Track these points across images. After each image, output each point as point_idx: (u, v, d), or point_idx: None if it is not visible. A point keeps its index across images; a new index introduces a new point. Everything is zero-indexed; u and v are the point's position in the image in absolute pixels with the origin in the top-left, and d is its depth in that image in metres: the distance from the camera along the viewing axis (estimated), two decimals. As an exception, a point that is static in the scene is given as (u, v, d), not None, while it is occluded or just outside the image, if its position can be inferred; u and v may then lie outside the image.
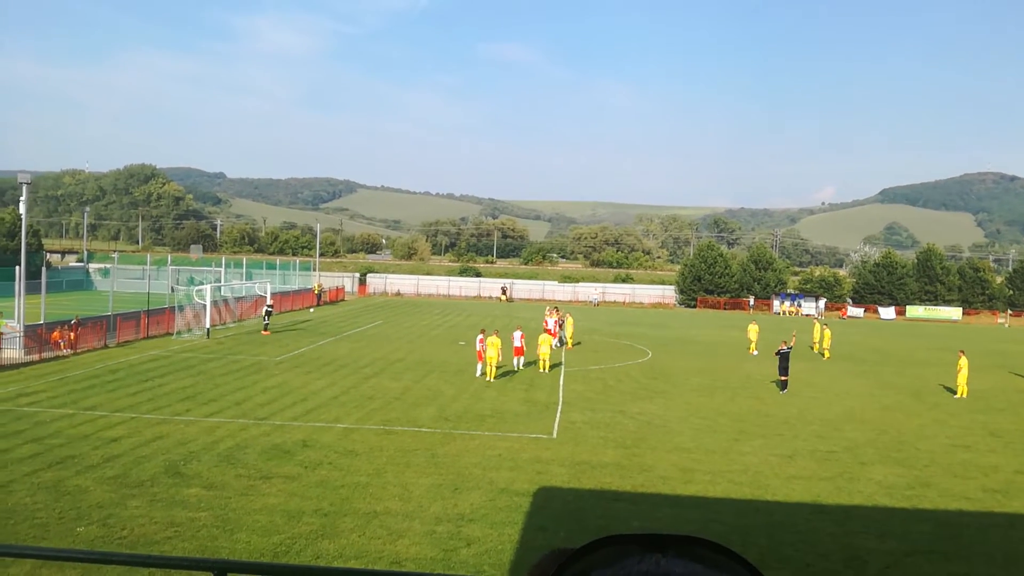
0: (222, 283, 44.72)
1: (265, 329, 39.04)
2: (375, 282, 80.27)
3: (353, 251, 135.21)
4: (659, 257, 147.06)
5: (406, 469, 15.32)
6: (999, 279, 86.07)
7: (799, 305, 73.28)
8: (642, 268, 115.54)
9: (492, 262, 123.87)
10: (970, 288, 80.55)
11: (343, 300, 65.50)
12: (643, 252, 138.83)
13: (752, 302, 74.28)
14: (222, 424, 18.57)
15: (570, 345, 36.74)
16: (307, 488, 13.94)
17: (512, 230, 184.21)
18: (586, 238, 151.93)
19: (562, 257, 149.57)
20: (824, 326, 39.37)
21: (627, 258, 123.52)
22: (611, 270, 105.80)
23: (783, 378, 26.55)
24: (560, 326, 36.95)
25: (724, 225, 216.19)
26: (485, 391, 24.47)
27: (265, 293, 44.12)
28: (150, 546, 11.11)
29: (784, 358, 26.55)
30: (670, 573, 0.83)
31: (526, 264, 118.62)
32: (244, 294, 46.57)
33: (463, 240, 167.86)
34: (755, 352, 36.76)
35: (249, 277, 54.20)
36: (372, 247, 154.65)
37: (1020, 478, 16.48)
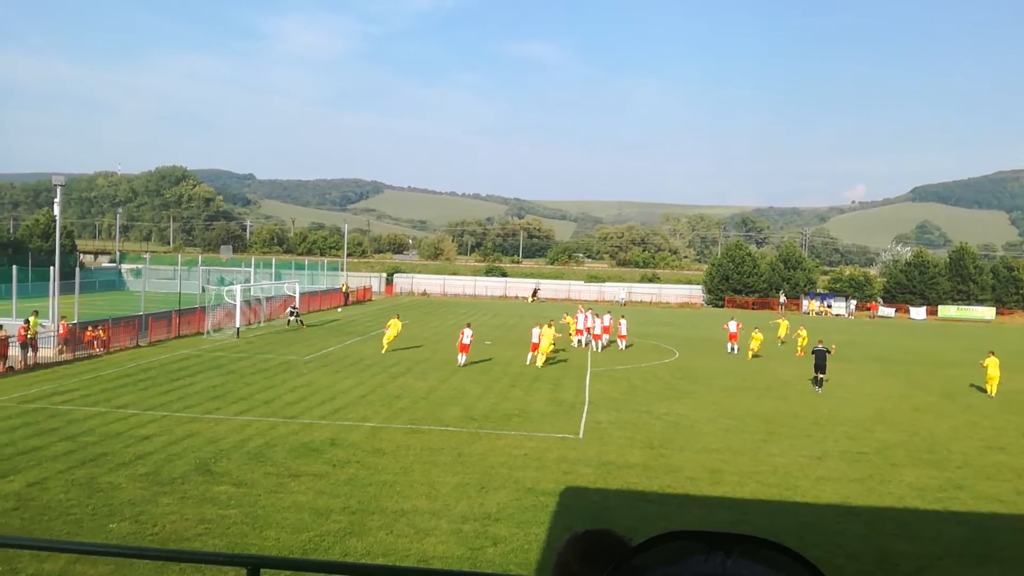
0: (252, 283, 45.24)
1: (301, 323, 40.86)
2: (402, 282, 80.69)
3: (380, 251, 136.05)
4: (686, 257, 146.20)
5: (433, 468, 15.39)
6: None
7: (829, 305, 72.42)
8: (669, 268, 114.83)
9: (518, 262, 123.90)
10: (1004, 288, 79.05)
11: (370, 300, 65.90)
12: (670, 252, 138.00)
13: (783, 300, 73.45)
14: (252, 422, 18.78)
15: (621, 346, 36.79)
16: (335, 486, 14.05)
17: (538, 230, 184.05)
18: (612, 238, 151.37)
19: (588, 257, 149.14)
20: (782, 320, 40.30)
21: (653, 258, 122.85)
22: (637, 270, 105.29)
23: (820, 376, 26.59)
24: (598, 324, 36.98)
25: (752, 224, 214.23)
26: (511, 391, 24.50)
27: (294, 293, 44.55)
28: (181, 542, 11.27)
29: (820, 356, 26.57)
30: (736, 575, 0.83)
31: (552, 264, 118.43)
32: (273, 294, 47.05)
33: (489, 240, 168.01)
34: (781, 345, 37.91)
35: (278, 277, 54.79)
36: (399, 247, 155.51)
37: (1057, 481, 16.15)
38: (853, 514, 13.60)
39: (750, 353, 34.56)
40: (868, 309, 73.68)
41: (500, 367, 29.22)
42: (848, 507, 13.97)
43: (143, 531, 11.71)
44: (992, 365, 26.62)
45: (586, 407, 22.22)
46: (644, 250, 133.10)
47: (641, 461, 16.51)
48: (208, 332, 35.77)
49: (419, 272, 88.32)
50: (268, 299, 45.38)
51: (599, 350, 35.58)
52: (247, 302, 40.26)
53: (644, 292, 79.77)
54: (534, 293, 76.65)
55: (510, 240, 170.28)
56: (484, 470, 15.36)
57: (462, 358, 29.41)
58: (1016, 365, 33.66)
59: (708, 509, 13.58)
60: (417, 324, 46.36)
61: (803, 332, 37.53)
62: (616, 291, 78.47)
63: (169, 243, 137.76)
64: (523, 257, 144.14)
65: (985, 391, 26.86)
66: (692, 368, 31.19)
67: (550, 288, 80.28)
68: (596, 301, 73.38)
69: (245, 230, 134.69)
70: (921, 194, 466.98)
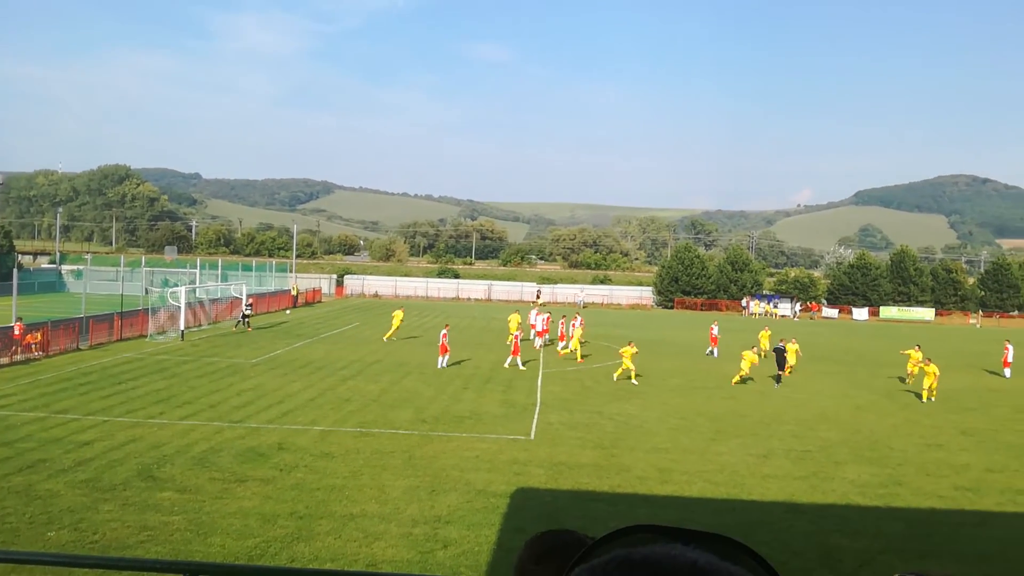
0: (197, 285, 44.30)
1: (248, 326, 40.28)
2: (353, 283, 79.93)
3: (330, 252, 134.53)
4: (637, 259, 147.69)
5: (383, 471, 15.25)
6: (971, 280, 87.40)
7: (776, 306, 73.93)
8: (620, 269, 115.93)
9: (471, 264, 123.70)
10: (943, 289, 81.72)
11: (320, 302, 65.12)
12: (621, 254, 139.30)
13: (747, 303, 74.09)
14: (196, 427, 18.38)
15: (577, 355, 33.88)
16: (282, 491, 13.83)
17: (491, 232, 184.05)
18: (565, 240, 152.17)
19: (541, 259, 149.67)
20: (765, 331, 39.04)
21: (605, 259, 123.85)
22: (589, 271, 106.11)
23: (780, 372, 28.75)
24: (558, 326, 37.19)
25: (701, 227, 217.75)
26: (463, 393, 24.43)
27: (241, 295, 43.79)
28: (122, 550, 10.96)
29: (780, 354, 29.18)
30: (688, 556, 0.87)
31: (505, 265, 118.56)
32: (219, 296, 46.16)
33: (441, 241, 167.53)
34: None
35: (225, 279, 53.72)
36: (350, 248, 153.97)
37: (991, 476, 16.72)
38: (798, 511, 13.88)
39: (738, 376, 28.46)
40: (810, 310, 75.41)
41: (453, 369, 29.13)
42: (793, 504, 14.26)
43: (83, 539, 11.36)
44: (931, 371, 25.72)
45: (538, 408, 22.28)
46: (596, 252, 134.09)
47: (592, 461, 16.61)
48: (151, 335, 34.91)
49: (370, 273, 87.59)
50: (214, 301, 44.51)
51: (560, 348, 35.85)
52: (192, 304, 39.43)
53: (596, 294, 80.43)
54: (538, 295, 77.01)
55: (463, 242, 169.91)
56: (435, 473, 15.28)
57: (442, 360, 29.39)
58: (954, 365, 34.82)
59: (657, 508, 13.72)
60: (368, 327, 45.96)
61: (766, 333, 37.62)
62: (568, 293, 79.00)
63: (111, 244, 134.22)
64: (476, 259, 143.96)
65: (920, 397, 26.13)
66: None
67: (502, 290, 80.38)
68: (549, 303, 73.73)
69: (191, 230, 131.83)
70: (864, 198, 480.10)
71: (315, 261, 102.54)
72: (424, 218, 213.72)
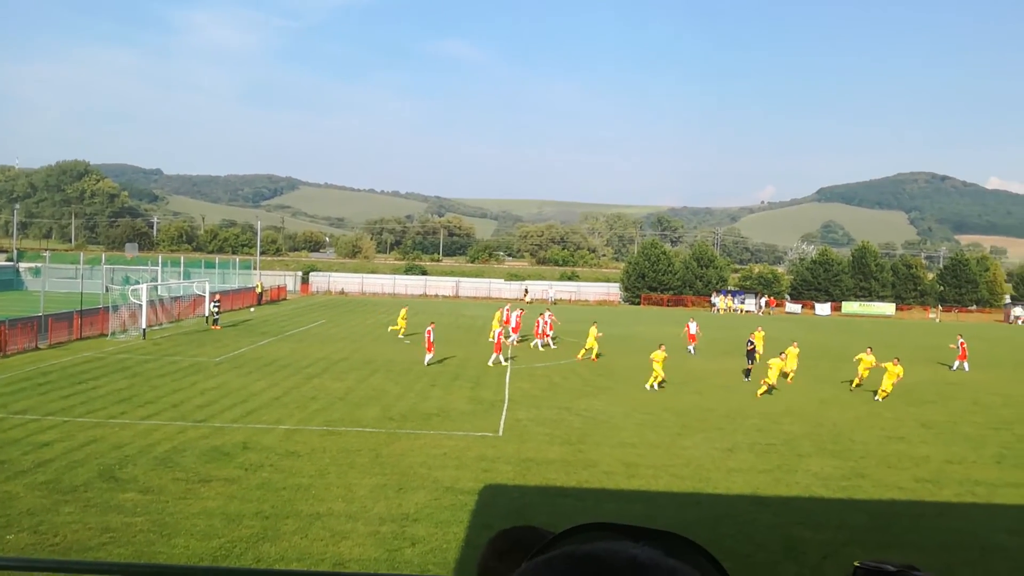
0: (159, 282, 43.59)
1: (215, 323, 39.93)
2: (318, 281, 79.23)
3: (295, 249, 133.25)
4: (604, 255, 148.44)
5: (349, 470, 15.14)
6: (930, 276, 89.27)
7: (743, 301, 74.81)
8: (588, 266, 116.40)
9: (438, 260, 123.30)
10: (903, 284, 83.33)
11: (285, 299, 64.46)
12: (589, 250, 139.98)
13: (716, 299, 74.80)
14: (159, 427, 18.08)
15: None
16: (247, 491, 13.66)
17: (458, 228, 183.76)
18: (532, 236, 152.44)
19: (508, 255, 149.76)
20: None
21: (573, 256, 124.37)
22: (557, 268, 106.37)
23: (749, 367, 29.50)
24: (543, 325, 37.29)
25: (667, 223, 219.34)
26: (431, 390, 24.35)
27: (204, 293, 43.18)
28: (84, 552, 10.75)
29: (751, 349, 29.91)
30: (630, 552, 0.88)
31: (472, 262, 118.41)
32: (182, 293, 45.45)
33: (409, 238, 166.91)
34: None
35: (187, 276, 52.92)
36: (315, 245, 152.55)
37: (950, 468, 17.09)
38: (762, 504, 14.06)
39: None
40: (770, 305, 76.40)
41: (420, 366, 29.03)
42: (757, 497, 14.44)
43: (43, 542, 11.11)
44: (894, 372, 25.31)
45: (506, 405, 22.28)
46: (564, 248, 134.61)
47: (560, 457, 16.66)
48: (112, 334, 34.26)
49: (336, 271, 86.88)
50: (176, 299, 43.82)
51: (538, 346, 36.15)
52: (153, 302, 38.77)
53: (564, 290, 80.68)
54: (525, 292, 77.10)
55: (430, 238, 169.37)
56: (402, 471, 15.21)
57: (428, 357, 29.39)
58: (915, 358, 35.52)
59: (623, 503, 13.81)
60: (334, 324, 45.64)
61: (760, 334, 33.26)
62: (535, 289, 79.12)
63: (71, 241, 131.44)
64: (443, 255, 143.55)
65: (875, 394, 25.55)
66: (610, 365, 31.70)
67: (470, 287, 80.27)
68: (517, 300, 73.81)
69: (152, 227, 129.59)
70: (826, 195, 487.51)
71: (280, 258, 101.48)
72: (391, 215, 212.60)
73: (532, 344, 36.41)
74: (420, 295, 77.77)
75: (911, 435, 20.34)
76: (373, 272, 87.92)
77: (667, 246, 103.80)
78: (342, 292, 77.34)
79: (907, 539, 12.56)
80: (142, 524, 11.88)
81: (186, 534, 11.59)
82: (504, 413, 21.11)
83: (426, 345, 29.67)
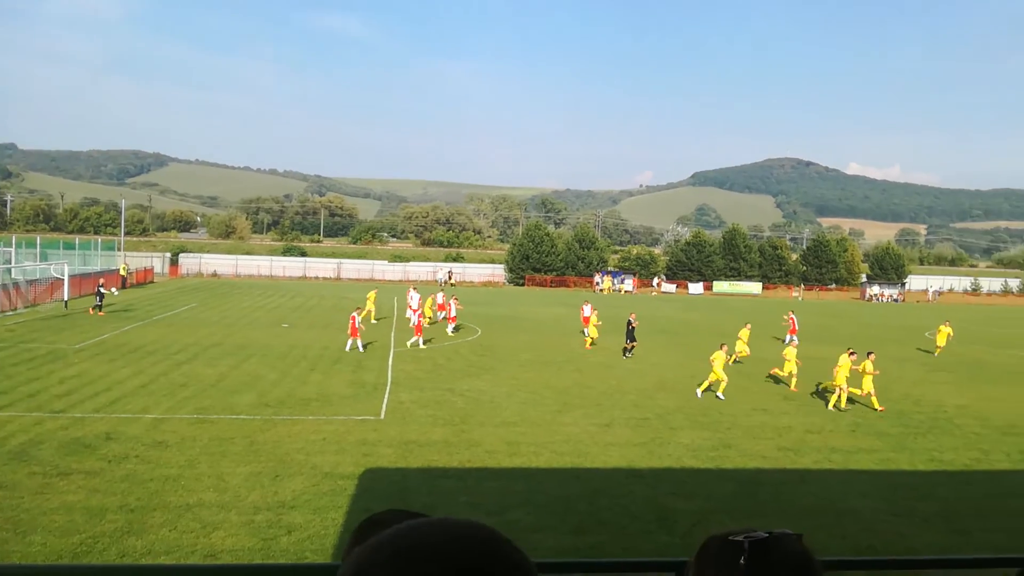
0: (12, 264, 40.43)
1: (100, 310, 37.76)
2: (188, 262, 75.69)
3: (164, 229, 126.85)
4: (489, 236, 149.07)
5: (222, 458, 14.56)
6: (794, 256, 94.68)
7: (623, 281, 76.96)
8: (472, 247, 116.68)
9: (319, 241, 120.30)
10: (769, 265, 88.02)
11: (152, 282, 61.24)
12: (474, 231, 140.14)
13: (600, 280, 76.32)
14: (13, 419, 16.79)
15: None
16: (111, 484, 12.90)
17: (340, 208, 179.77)
18: (417, 217, 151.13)
19: (392, 236, 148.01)
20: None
21: (458, 237, 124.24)
22: (442, 249, 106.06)
23: (630, 344, 29.89)
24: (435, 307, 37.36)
25: (551, 205, 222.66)
26: (310, 374, 23.74)
27: (63, 276, 40.40)
28: (-82, 560, 9.85)
29: (629, 327, 30.09)
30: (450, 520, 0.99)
31: (355, 243, 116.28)
32: (38, 276, 42.33)
33: (287, 218, 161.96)
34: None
35: (44, 258, 49.24)
36: (185, 225, 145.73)
37: (809, 437, 18.20)
38: (637, 476, 14.52)
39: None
40: (654, 285, 79.21)
41: (299, 350, 28.26)
42: (633, 470, 14.91)
43: None
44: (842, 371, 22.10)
45: (388, 387, 22.02)
46: (449, 230, 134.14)
47: (442, 438, 16.63)
48: (-44, 320, 31.49)
49: (208, 252, 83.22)
50: (32, 283, 40.78)
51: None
52: (7, 286, 35.92)
53: (442, 271, 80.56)
54: (449, 275, 75.97)
55: (310, 218, 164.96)
56: (279, 458, 14.76)
57: (357, 343, 28.74)
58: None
59: (505, 481, 13.94)
60: (206, 308, 43.76)
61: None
62: (420, 271, 78.58)
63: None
64: (324, 237, 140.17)
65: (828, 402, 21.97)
66: (494, 345, 31.90)
67: (352, 268, 78.79)
68: (401, 281, 73.09)
69: (5, 205, 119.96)
70: (700, 179, 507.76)
71: (147, 239, 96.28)
72: (268, 193, 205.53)
73: (448, 330, 35.84)
74: (299, 277, 75.68)
75: (774, 407, 21.53)
76: (248, 253, 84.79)
77: (551, 228, 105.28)
78: (214, 275, 74.21)
79: (770, 505, 13.29)
80: (-11, 524, 11.01)
81: (43, 531, 10.83)
82: (386, 396, 20.85)
83: (350, 330, 29.09)
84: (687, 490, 13.85)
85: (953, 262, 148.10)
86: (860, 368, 21.65)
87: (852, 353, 22.60)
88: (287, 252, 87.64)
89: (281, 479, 13.50)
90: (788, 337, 35.84)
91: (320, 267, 78.75)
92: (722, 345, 24.34)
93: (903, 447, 17.43)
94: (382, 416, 18.53)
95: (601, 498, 13.19)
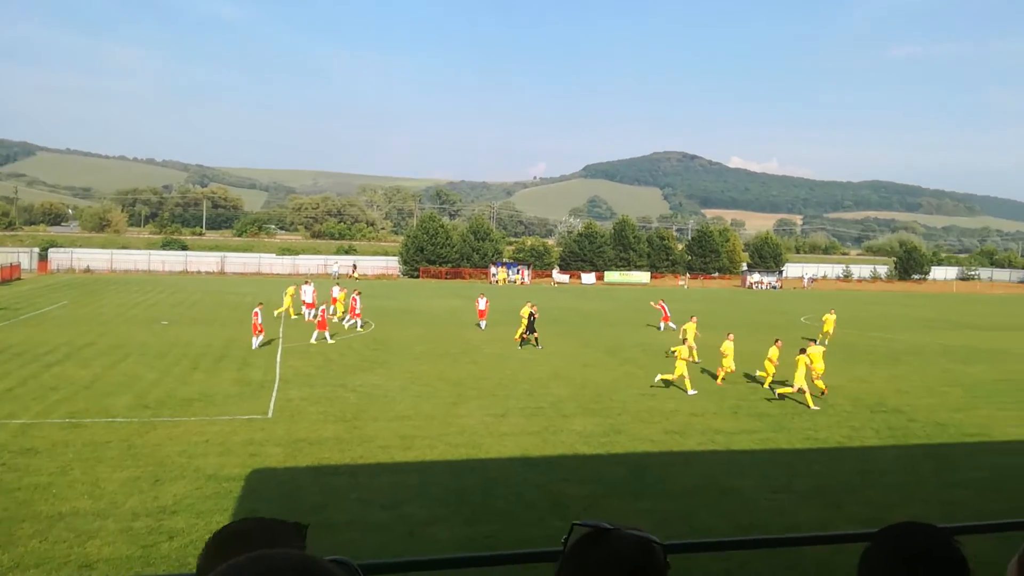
0: None
1: None
2: (59, 258, 71.24)
3: (32, 223, 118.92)
4: (383, 228, 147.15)
5: (97, 464, 13.76)
6: (680, 246, 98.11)
7: (518, 271, 77.62)
8: (366, 240, 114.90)
9: (201, 234, 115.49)
10: (657, 255, 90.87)
11: (19, 279, 57.28)
12: (367, 223, 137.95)
13: (496, 272, 76.66)
14: None
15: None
16: (-30, 496, 11.97)
17: (224, 199, 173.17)
18: (307, 209, 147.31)
19: (281, 229, 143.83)
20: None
21: (350, 229, 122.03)
22: (333, 242, 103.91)
23: (530, 335, 30.35)
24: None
25: (446, 197, 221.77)
26: (192, 373, 22.77)
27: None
28: None
29: (530, 318, 30.37)
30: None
31: (240, 236, 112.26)
32: None
33: (167, 210, 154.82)
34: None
35: None
36: (56, 218, 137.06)
37: (694, 419, 18.87)
38: (531, 465, 14.68)
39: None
40: (553, 277, 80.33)
41: (180, 348, 27.06)
42: (527, 459, 15.06)
43: None
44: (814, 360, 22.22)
45: (276, 385, 21.40)
46: (340, 222, 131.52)
47: (334, 435, 16.29)
48: None
49: (81, 246, 78.55)
50: None
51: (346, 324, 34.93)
52: None
53: (344, 264, 79.05)
54: (354, 268, 74.42)
55: (192, 210, 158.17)
56: (159, 461, 14.08)
57: (258, 340, 27.80)
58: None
59: (399, 475, 13.80)
60: (79, 305, 41.30)
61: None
62: (310, 264, 76.74)
63: None
64: (207, 229, 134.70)
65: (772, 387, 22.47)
66: (387, 338, 31.53)
67: (238, 262, 76.13)
68: (291, 275, 71.17)
69: None
70: (592, 171, 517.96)
71: (12, 233, 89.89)
72: (145, 184, 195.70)
73: (347, 325, 34.87)
74: (180, 272, 72.50)
75: (661, 392, 22.22)
76: (125, 247, 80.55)
77: (445, 219, 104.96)
78: (87, 270, 70.14)
79: (657, 487, 13.70)
80: None
81: None
82: (274, 393, 20.25)
83: (252, 328, 28.14)
84: (579, 476, 14.11)
85: (827, 250, 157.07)
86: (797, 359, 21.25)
87: (778, 341, 23.81)
88: (167, 246, 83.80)
89: (161, 483, 12.90)
90: (663, 325, 37.20)
91: (203, 261, 75.72)
92: (684, 340, 25.30)
93: (781, 427, 18.34)
94: (270, 415, 17.98)
95: (496, 488, 13.26)
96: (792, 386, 20.80)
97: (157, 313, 38.24)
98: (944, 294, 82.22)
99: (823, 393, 21.93)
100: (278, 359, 25.61)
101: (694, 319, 29.78)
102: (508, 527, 11.55)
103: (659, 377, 23.12)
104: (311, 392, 20.54)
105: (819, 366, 22.26)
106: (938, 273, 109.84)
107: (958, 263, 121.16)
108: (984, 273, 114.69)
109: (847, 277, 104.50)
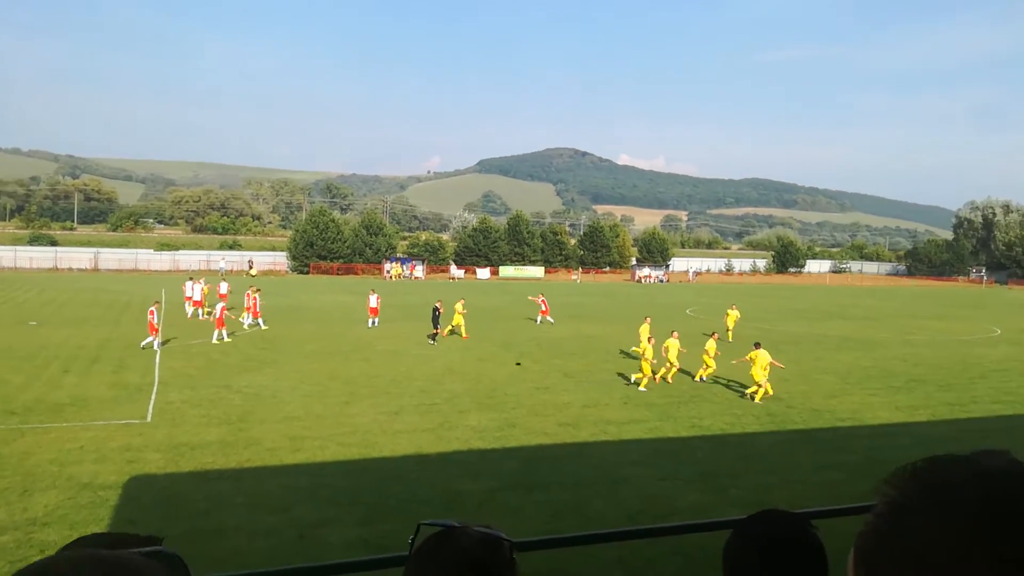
0: None
1: None
2: (-89, 255, 65.55)
3: None
4: (270, 223, 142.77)
5: (-46, 477, 12.72)
6: (573, 241, 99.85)
7: (414, 266, 76.98)
8: (252, 234, 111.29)
9: (72, 229, 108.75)
10: (550, 250, 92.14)
11: None
12: (253, 217, 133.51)
13: (390, 268, 75.67)
14: None
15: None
16: None
17: (97, 192, 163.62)
18: (188, 202, 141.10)
19: (159, 223, 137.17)
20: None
21: (235, 224, 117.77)
22: (217, 236, 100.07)
23: (436, 331, 30.28)
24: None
25: (337, 190, 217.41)
26: (63, 377, 21.40)
27: None
28: None
29: (435, 312, 30.52)
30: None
31: (115, 231, 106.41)
32: None
33: (34, 203, 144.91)
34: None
35: None
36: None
37: (587, 411, 19.22)
38: (425, 462, 14.57)
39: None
40: (452, 272, 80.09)
41: (50, 350, 25.39)
42: (421, 456, 14.94)
43: None
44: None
45: (155, 387, 20.38)
46: (224, 215, 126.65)
47: (218, 438, 15.66)
48: None
49: (-63, 242, 72.53)
50: None
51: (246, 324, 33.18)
52: None
53: (230, 260, 76.20)
54: (250, 265, 72.27)
55: (62, 203, 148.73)
56: (27, 471, 13.16)
57: (155, 341, 26.60)
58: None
59: (288, 478, 13.41)
60: (-65, 305, 38.14)
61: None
62: (191, 260, 73.64)
63: None
64: (79, 223, 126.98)
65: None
66: (276, 337, 30.62)
67: (113, 258, 72.17)
68: (170, 272, 68.12)
69: None
70: (486, 167, 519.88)
71: None
72: (10, 175, 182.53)
73: (247, 324, 33.21)
74: (50, 269, 68.08)
75: (555, 385, 22.53)
76: (-12, 243, 74.89)
77: (336, 214, 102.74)
78: (-54, 267, 64.85)
79: (551, 479, 13.87)
80: None
81: None
82: (153, 396, 19.28)
83: (148, 328, 26.93)
84: (474, 471, 14.11)
85: (710, 245, 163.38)
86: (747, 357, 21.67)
87: (715, 335, 24.68)
88: (34, 241, 78.46)
89: (31, 494, 12.06)
90: (540, 318, 37.94)
91: (74, 257, 71.39)
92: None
93: (668, 416, 18.94)
94: (148, 419, 17.11)
95: (390, 486, 13.09)
96: (758, 385, 20.97)
97: (24, 314, 35.75)
98: (818, 286, 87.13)
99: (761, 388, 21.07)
100: (156, 360, 24.41)
101: (675, 334, 24.21)
102: (403, 525, 11.40)
103: (634, 377, 22.92)
104: (193, 394, 19.68)
105: (763, 362, 21.18)
106: (813, 266, 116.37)
107: (831, 257, 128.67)
108: (855, 266, 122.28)
109: (729, 271, 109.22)
